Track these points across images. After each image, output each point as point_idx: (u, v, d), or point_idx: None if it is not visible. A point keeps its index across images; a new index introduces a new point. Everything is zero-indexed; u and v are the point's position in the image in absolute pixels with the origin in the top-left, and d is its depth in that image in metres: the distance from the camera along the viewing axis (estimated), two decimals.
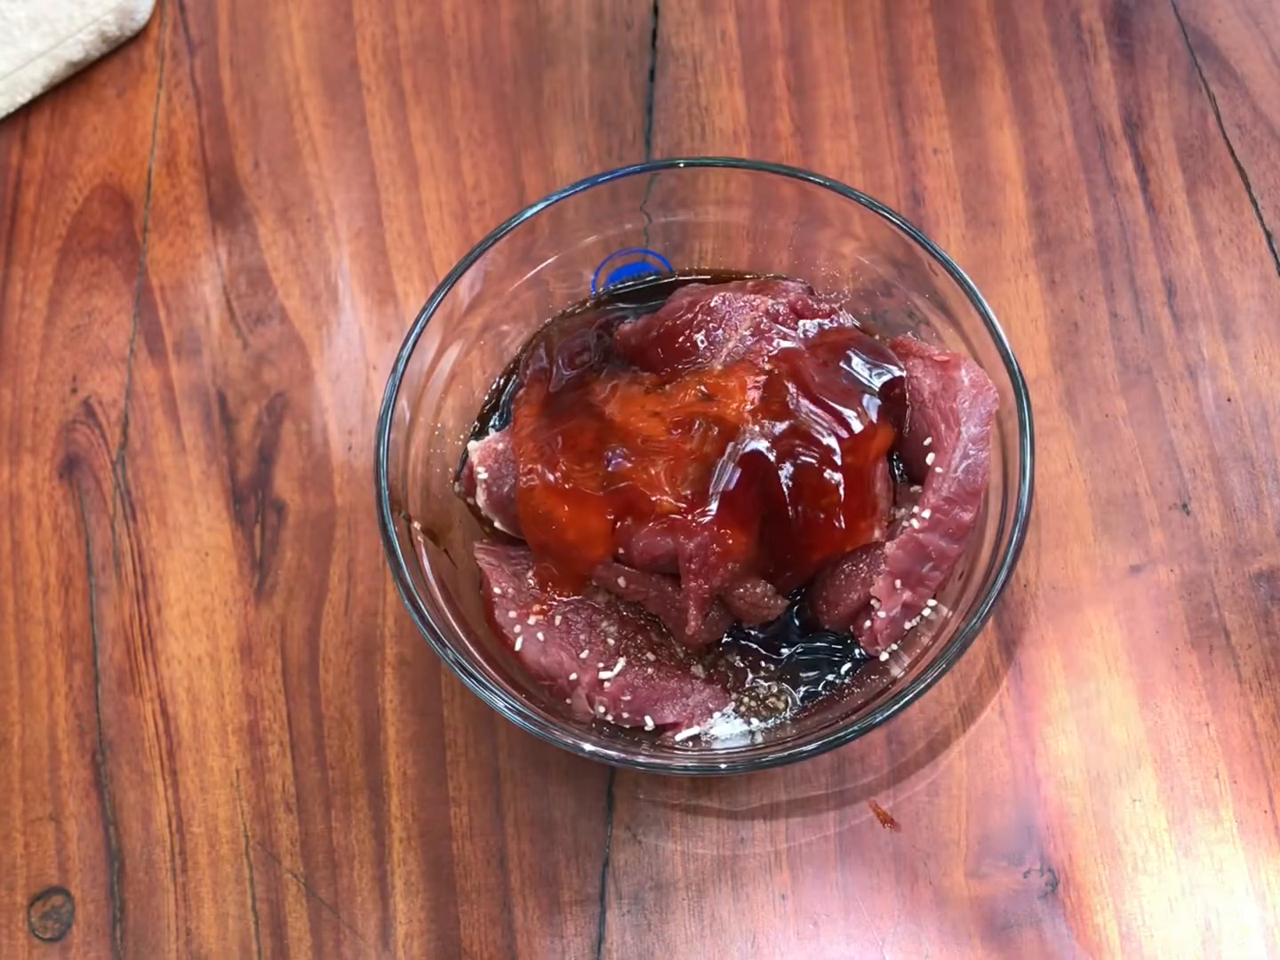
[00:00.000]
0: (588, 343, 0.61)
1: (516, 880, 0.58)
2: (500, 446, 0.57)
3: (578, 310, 0.63)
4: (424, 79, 0.73)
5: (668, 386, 0.56)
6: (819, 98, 0.71)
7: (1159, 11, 0.71)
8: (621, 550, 0.53)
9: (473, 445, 0.59)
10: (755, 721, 0.56)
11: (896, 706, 0.51)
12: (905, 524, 0.55)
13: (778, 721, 0.55)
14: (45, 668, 0.63)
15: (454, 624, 0.55)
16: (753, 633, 0.57)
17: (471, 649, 0.55)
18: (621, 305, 0.62)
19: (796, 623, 0.57)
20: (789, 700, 0.56)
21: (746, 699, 0.56)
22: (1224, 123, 0.68)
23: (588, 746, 0.52)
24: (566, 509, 0.53)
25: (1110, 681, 0.58)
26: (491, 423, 0.62)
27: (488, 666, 0.54)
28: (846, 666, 0.56)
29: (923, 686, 0.51)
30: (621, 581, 0.54)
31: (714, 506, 0.52)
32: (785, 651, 0.57)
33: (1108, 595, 0.60)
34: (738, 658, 0.57)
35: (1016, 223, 0.67)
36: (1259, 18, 0.70)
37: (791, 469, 0.53)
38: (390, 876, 0.58)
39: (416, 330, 0.57)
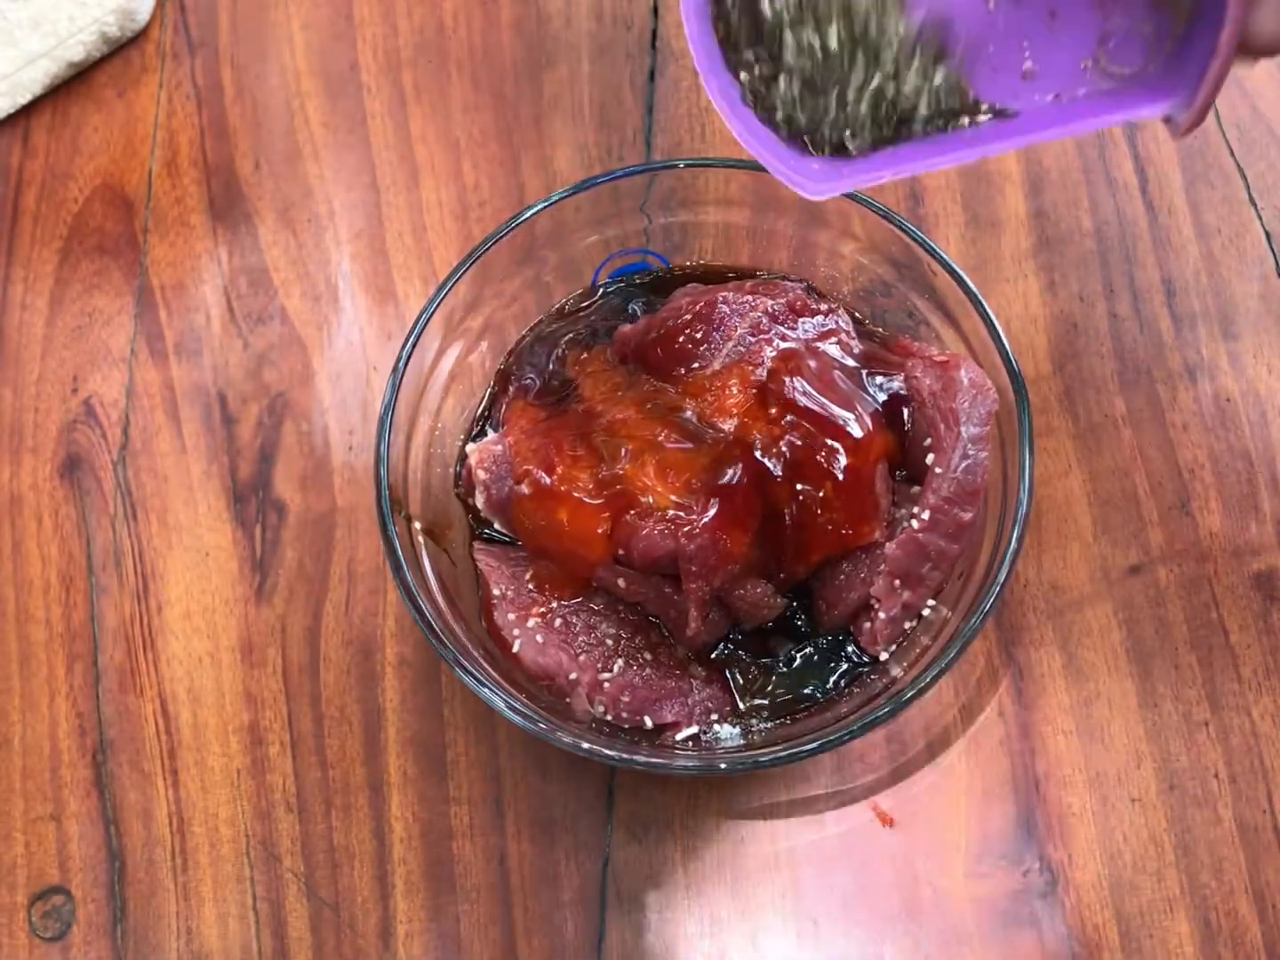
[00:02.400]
0: (585, 343, 0.61)
1: (516, 880, 0.58)
2: (498, 449, 0.58)
3: (575, 310, 0.63)
4: (424, 80, 0.74)
5: (667, 387, 0.56)
6: None
7: None
8: (621, 552, 0.53)
9: (471, 447, 0.59)
10: (755, 721, 0.56)
11: (896, 706, 0.51)
12: (905, 524, 0.55)
13: (778, 721, 0.56)
14: (46, 667, 0.63)
15: (454, 624, 0.55)
16: (752, 633, 0.57)
17: (471, 649, 0.55)
18: (624, 296, 0.62)
19: (796, 623, 0.57)
20: (789, 700, 0.56)
21: (746, 699, 0.56)
22: (1223, 123, 0.68)
23: (587, 746, 0.52)
24: (563, 513, 0.53)
25: (1110, 681, 0.58)
26: (490, 424, 0.62)
27: (488, 666, 0.54)
28: (846, 667, 0.56)
29: (923, 686, 0.51)
30: (621, 583, 0.54)
31: (714, 508, 0.52)
32: (785, 652, 0.57)
33: (1107, 595, 0.60)
34: (737, 658, 0.57)
35: (1016, 223, 0.67)
36: None
37: (791, 470, 0.53)
38: (390, 876, 0.58)
39: (417, 330, 0.57)
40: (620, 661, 0.55)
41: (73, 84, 0.75)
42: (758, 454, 0.53)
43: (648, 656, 0.55)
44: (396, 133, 0.73)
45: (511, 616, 0.55)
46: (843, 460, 0.54)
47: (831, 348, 0.57)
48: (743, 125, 0.45)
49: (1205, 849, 0.56)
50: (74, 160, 0.73)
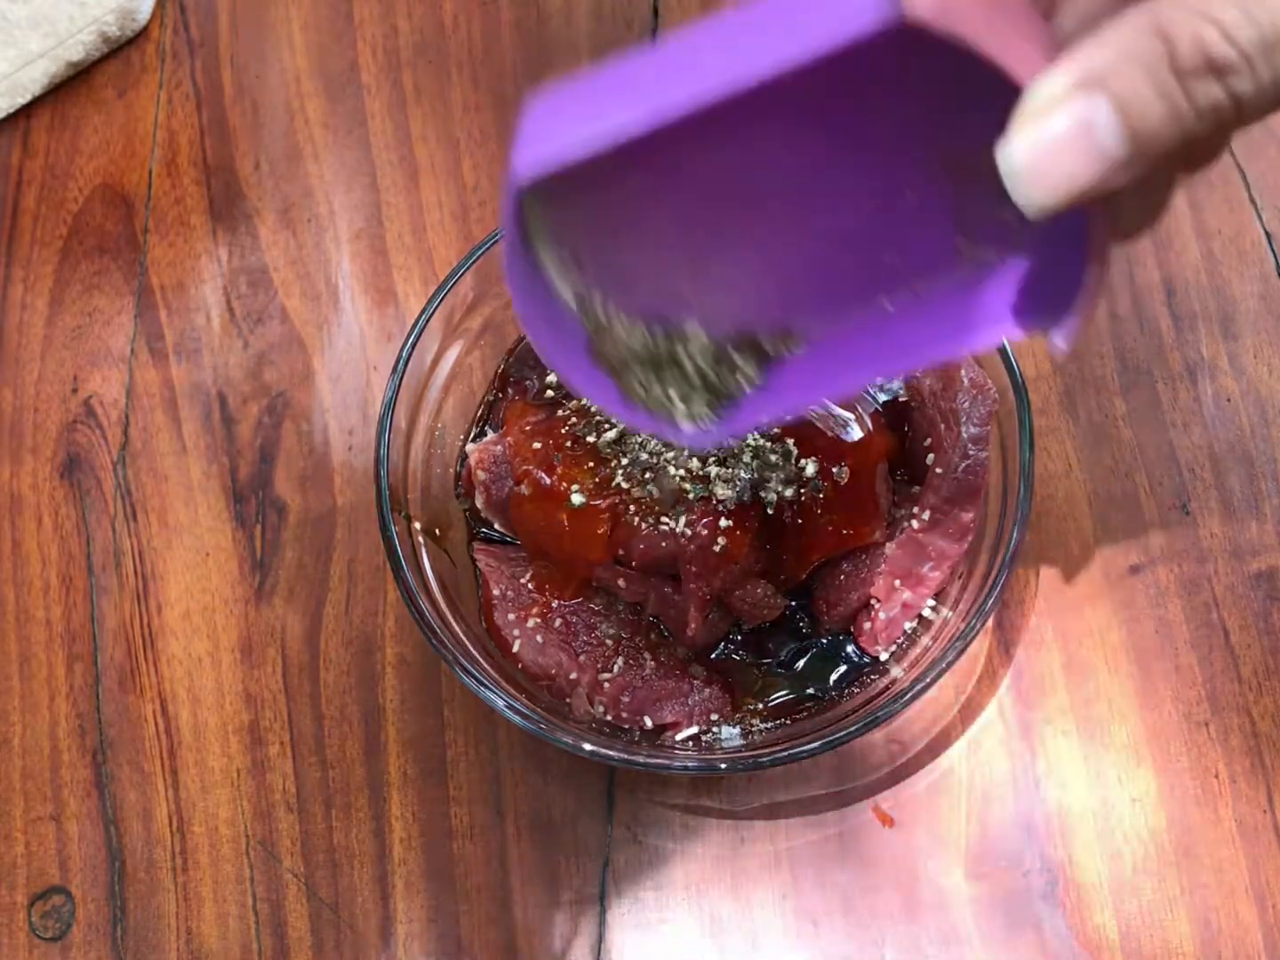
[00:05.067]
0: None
1: (516, 880, 0.58)
2: (498, 449, 0.58)
3: None
4: (424, 80, 0.74)
5: None
6: None
7: None
8: (621, 552, 0.53)
9: (471, 447, 0.59)
10: (755, 721, 0.56)
11: (896, 706, 0.51)
12: (905, 524, 0.55)
13: (778, 722, 0.55)
14: (46, 668, 0.63)
15: (454, 624, 0.55)
16: (752, 633, 0.57)
17: (471, 649, 0.55)
18: None
19: (797, 623, 0.57)
20: (789, 700, 0.56)
21: (746, 699, 0.56)
22: None
23: (588, 746, 0.52)
24: (563, 513, 0.53)
25: (1110, 681, 0.58)
26: (490, 424, 0.62)
27: (488, 666, 0.54)
28: (846, 667, 0.56)
29: (922, 686, 0.51)
30: (621, 583, 0.54)
31: (714, 509, 0.52)
32: (785, 652, 0.57)
33: (1108, 595, 0.60)
34: (737, 658, 0.57)
35: None
36: None
37: (792, 470, 0.53)
38: (390, 876, 0.58)
39: (417, 330, 0.57)
40: (620, 661, 0.55)
41: (73, 84, 0.75)
42: (757, 449, 0.53)
43: (648, 656, 0.55)
44: (396, 133, 0.72)
45: (511, 616, 0.55)
46: (843, 461, 0.54)
47: None
48: (616, 409, 0.43)
49: (1205, 849, 0.56)
50: (74, 160, 0.73)
